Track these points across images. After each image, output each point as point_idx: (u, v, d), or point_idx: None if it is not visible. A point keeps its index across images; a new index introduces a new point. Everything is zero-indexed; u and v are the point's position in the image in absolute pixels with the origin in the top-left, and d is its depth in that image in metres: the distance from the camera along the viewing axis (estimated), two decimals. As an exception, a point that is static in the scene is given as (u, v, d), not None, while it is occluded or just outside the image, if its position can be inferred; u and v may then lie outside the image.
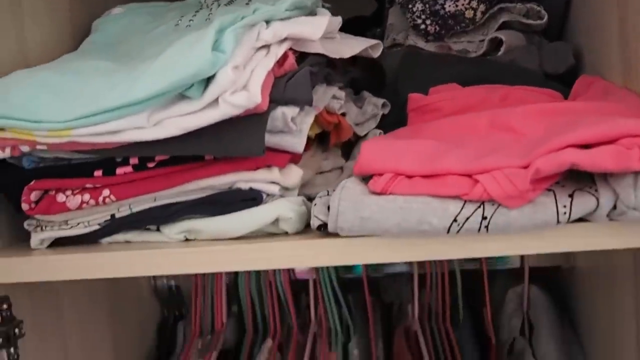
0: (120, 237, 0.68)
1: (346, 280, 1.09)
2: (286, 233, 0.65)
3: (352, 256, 0.59)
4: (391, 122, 0.80)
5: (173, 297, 1.16)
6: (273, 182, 0.64)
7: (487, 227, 0.54)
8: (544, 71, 0.86)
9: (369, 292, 1.07)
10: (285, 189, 0.65)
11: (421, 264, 1.05)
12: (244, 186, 0.63)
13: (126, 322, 1.05)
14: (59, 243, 0.69)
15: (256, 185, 0.63)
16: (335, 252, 0.59)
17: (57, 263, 0.64)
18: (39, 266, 0.65)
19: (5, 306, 0.72)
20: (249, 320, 1.11)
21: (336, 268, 1.06)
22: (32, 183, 0.65)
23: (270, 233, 0.65)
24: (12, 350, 0.73)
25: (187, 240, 0.66)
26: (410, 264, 1.05)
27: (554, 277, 1.08)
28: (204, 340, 1.04)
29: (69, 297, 0.87)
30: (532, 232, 0.56)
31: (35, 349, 0.77)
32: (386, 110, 0.82)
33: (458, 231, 0.55)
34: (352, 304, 1.11)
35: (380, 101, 0.81)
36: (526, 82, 0.79)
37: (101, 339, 0.97)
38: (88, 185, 0.65)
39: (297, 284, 1.10)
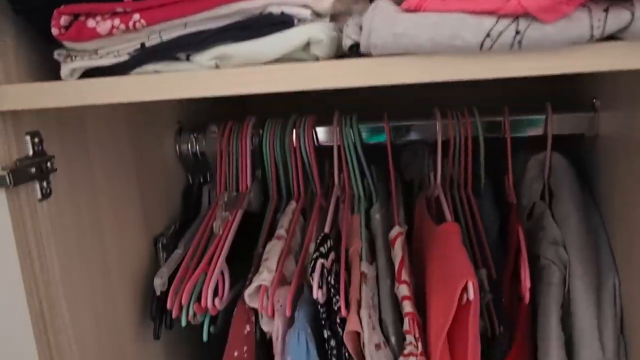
0: (150, 67, 0.68)
1: (369, 147, 1.09)
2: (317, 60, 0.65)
3: (384, 75, 0.58)
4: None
5: (198, 163, 1.18)
6: (305, 6, 0.63)
7: (520, 42, 0.54)
8: None
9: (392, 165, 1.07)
10: (317, 15, 0.65)
11: (444, 130, 1.04)
12: (276, 10, 0.63)
13: (153, 185, 1.07)
14: (89, 76, 0.70)
15: (288, 9, 0.63)
16: (367, 71, 0.59)
17: (86, 87, 0.65)
18: (68, 90, 0.65)
19: (37, 140, 0.74)
20: (273, 185, 1.12)
21: (360, 133, 1.06)
22: (61, 7, 0.65)
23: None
24: (44, 183, 0.75)
25: (217, 67, 0.66)
26: (434, 130, 1.05)
27: (577, 145, 1.07)
28: (230, 194, 1.06)
29: (96, 144, 0.89)
30: (565, 48, 0.55)
31: (65, 187, 0.80)
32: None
33: (491, 47, 0.55)
34: (374, 174, 1.12)
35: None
36: None
37: (129, 196, 0.99)
38: (118, 10, 0.64)
39: (321, 152, 1.11)
